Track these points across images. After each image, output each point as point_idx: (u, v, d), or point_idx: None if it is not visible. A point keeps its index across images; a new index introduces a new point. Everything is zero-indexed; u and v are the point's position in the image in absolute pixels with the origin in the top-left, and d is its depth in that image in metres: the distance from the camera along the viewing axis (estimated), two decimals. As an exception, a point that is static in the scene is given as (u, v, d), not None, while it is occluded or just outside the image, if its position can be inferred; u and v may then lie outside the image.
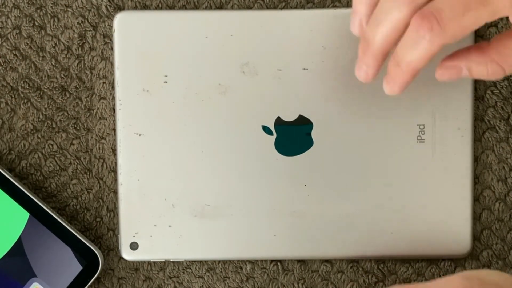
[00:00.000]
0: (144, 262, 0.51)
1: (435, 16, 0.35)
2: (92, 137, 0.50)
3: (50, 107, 0.50)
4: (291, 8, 0.50)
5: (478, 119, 0.50)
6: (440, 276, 0.50)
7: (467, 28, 0.36)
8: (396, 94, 0.40)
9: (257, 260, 0.50)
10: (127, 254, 0.49)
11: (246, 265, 0.51)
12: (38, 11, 0.50)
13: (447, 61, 0.40)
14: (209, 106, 0.48)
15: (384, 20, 0.37)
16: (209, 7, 0.50)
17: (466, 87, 0.48)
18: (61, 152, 0.50)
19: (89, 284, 0.49)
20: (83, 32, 0.50)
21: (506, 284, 0.36)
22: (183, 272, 0.51)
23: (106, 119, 0.50)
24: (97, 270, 0.49)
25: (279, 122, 0.48)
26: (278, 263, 0.50)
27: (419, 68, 0.37)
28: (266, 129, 0.48)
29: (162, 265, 0.51)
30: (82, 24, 0.50)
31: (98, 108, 0.50)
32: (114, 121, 0.50)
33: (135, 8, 0.50)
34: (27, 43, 0.50)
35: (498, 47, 0.38)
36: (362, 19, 0.39)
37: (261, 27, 0.48)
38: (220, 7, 0.50)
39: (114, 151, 0.50)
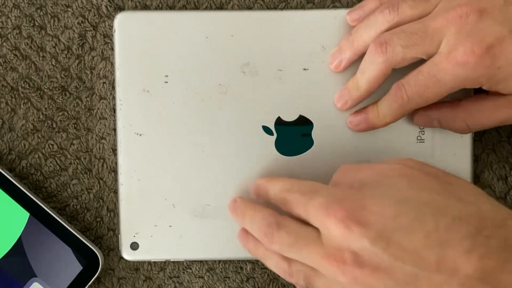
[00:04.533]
0: (144, 262, 0.51)
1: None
2: (92, 137, 0.50)
3: (50, 107, 0.50)
4: (291, 8, 0.50)
5: (478, 119, 0.50)
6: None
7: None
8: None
9: (258, 260, 0.50)
10: (128, 254, 0.49)
11: (246, 265, 0.51)
12: (38, 11, 0.50)
13: (423, 110, 0.46)
14: (209, 106, 0.48)
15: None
16: (209, 8, 0.50)
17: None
18: (61, 152, 0.50)
19: (89, 284, 0.49)
20: (83, 32, 0.50)
21: (441, 174, 0.40)
22: (183, 272, 0.51)
23: (106, 119, 0.50)
24: (97, 270, 0.48)
25: (279, 122, 0.48)
26: (279, 263, 0.50)
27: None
28: (266, 129, 0.48)
29: (162, 265, 0.51)
30: (82, 24, 0.50)
31: (98, 108, 0.50)
32: (115, 121, 0.50)
33: (135, 8, 0.50)
34: (27, 43, 0.50)
35: (466, 107, 0.45)
36: (344, 62, 0.47)
37: (262, 27, 0.48)
38: (220, 7, 0.50)
39: (114, 151, 0.50)
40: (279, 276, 0.50)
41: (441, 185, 0.39)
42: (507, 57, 0.40)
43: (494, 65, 0.40)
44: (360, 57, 0.46)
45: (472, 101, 0.45)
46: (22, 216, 0.48)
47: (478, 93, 0.46)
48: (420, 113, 0.47)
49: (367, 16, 0.46)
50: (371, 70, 0.44)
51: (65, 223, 0.49)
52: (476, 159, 0.50)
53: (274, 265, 0.42)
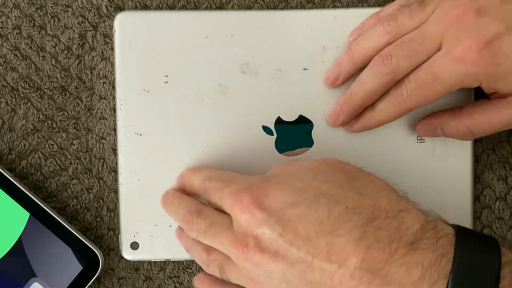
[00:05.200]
0: (145, 262, 0.51)
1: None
2: (92, 137, 0.50)
3: (50, 107, 0.50)
4: (291, 8, 0.50)
5: (478, 119, 0.50)
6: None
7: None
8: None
9: (258, 260, 0.50)
10: (128, 254, 0.49)
11: (246, 265, 0.50)
12: (39, 11, 0.50)
13: (425, 119, 0.47)
14: (209, 106, 0.48)
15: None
16: (209, 7, 0.50)
17: (468, 92, 0.48)
18: (61, 152, 0.50)
19: (89, 284, 0.49)
20: (83, 32, 0.50)
21: (352, 170, 0.41)
22: (183, 272, 0.51)
23: (106, 119, 0.50)
24: (97, 270, 0.48)
25: (279, 122, 0.48)
26: (279, 263, 0.50)
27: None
28: (266, 129, 0.48)
29: (163, 265, 0.51)
30: (82, 24, 0.50)
31: (98, 108, 0.50)
32: (115, 121, 0.50)
33: (135, 8, 0.50)
34: (28, 43, 0.50)
35: (468, 113, 0.45)
36: (342, 76, 0.47)
37: (261, 27, 0.48)
38: (220, 7, 0.50)
39: (114, 151, 0.50)
40: (279, 276, 0.50)
41: (346, 179, 0.40)
42: (505, 53, 0.41)
43: (492, 61, 0.41)
44: (358, 72, 0.46)
45: (473, 107, 0.45)
46: (22, 216, 0.48)
47: (479, 99, 0.46)
48: (422, 123, 0.47)
49: (364, 30, 0.46)
50: (373, 82, 0.44)
51: (65, 223, 0.49)
52: (476, 159, 0.50)
53: (196, 256, 0.45)
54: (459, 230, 0.38)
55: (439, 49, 0.42)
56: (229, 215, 0.41)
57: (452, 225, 0.38)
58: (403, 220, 0.37)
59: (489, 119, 0.44)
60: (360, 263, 0.36)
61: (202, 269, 0.45)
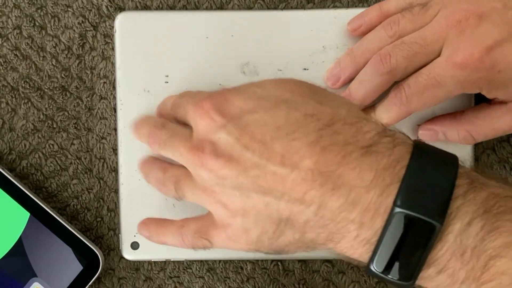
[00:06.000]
0: (145, 262, 0.51)
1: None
2: (92, 137, 0.50)
3: (51, 107, 0.50)
4: (291, 8, 0.50)
5: (478, 119, 0.50)
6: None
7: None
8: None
9: (258, 260, 0.50)
10: (128, 254, 0.49)
11: (246, 265, 0.51)
12: (39, 11, 0.50)
13: (427, 124, 0.47)
14: (209, 106, 0.48)
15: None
16: (209, 8, 0.50)
17: (468, 97, 0.48)
18: (61, 152, 0.50)
19: (89, 284, 0.49)
20: (84, 32, 0.50)
21: (317, 86, 0.40)
22: (184, 272, 0.51)
23: (106, 119, 0.50)
24: (98, 270, 0.48)
25: (279, 122, 0.48)
26: (279, 263, 0.50)
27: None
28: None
29: (163, 265, 0.51)
30: (82, 24, 0.50)
31: (98, 108, 0.50)
32: (115, 121, 0.50)
33: (135, 8, 0.50)
34: (28, 43, 0.50)
35: (469, 118, 0.45)
36: (343, 78, 0.47)
37: (262, 27, 0.48)
38: (221, 7, 0.50)
39: (114, 150, 0.50)
40: (279, 276, 0.50)
41: (308, 91, 0.39)
42: (507, 61, 0.40)
43: (494, 68, 0.41)
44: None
45: (474, 111, 0.45)
46: (22, 216, 0.48)
47: (479, 101, 0.46)
48: (424, 128, 0.47)
49: (369, 33, 0.46)
50: (372, 80, 0.44)
51: (65, 223, 0.49)
52: (476, 159, 0.50)
53: (153, 177, 0.44)
54: (418, 142, 0.37)
55: (439, 53, 0.42)
56: (191, 127, 0.41)
57: (413, 140, 0.38)
58: (361, 127, 0.37)
59: (490, 125, 0.44)
60: (314, 165, 0.36)
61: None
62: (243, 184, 0.37)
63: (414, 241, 0.35)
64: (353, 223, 0.36)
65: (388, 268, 0.36)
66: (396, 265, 0.35)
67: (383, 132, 0.37)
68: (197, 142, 0.39)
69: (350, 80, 0.47)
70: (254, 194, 0.37)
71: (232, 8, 0.50)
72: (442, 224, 0.34)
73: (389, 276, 0.36)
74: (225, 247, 0.41)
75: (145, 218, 0.45)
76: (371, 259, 0.36)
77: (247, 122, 0.38)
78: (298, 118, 0.37)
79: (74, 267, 0.48)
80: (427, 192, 0.35)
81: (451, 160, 0.36)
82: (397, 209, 0.34)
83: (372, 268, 0.36)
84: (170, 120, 0.44)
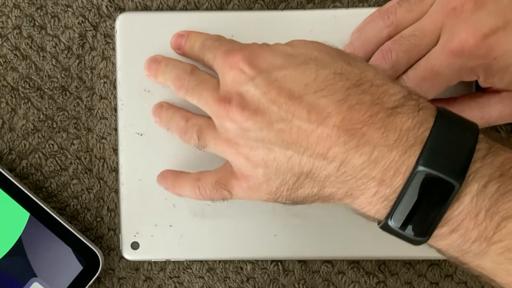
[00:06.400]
0: (145, 262, 0.50)
1: None
2: (92, 137, 0.50)
3: (51, 107, 0.50)
4: (291, 8, 0.50)
5: (478, 119, 0.50)
6: (441, 277, 0.50)
7: None
8: None
9: (258, 260, 0.50)
10: (128, 254, 0.49)
11: (246, 265, 0.51)
12: (39, 11, 0.50)
13: None
14: (210, 106, 0.48)
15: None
16: (209, 8, 0.50)
17: (468, 86, 0.48)
18: (61, 152, 0.50)
19: (89, 284, 0.49)
20: (84, 32, 0.50)
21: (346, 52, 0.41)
22: (184, 272, 0.51)
23: (106, 119, 0.50)
24: (98, 270, 0.48)
25: (280, 122, 0.48)
26: (279, 264, 0.50)
27: None
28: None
29: (163, 265, 0.51)
30: (82, 24, 0.50)
31: (98, 108, 0.50)
32: (115, 121, 0.50)
33: (135, 8, 0.50)
34: (28, 43, 0.50)
35: (461, 105, 0.45)
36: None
37: (262, 27, 0.48)
38: (221, 7, 0.50)
39: (115, 150, 0.50)
40: (279, 276, 0.50)
41: (337, 52, 0.40)
42: (502, 48, 0.41)
43: (489, 55, 0.41)
44: None
45: (467, 98, 0.45)
46: (22, 216, 0.48)
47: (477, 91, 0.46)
48: None
49: (366, 23, 0.46)
50: None
51: (65, 223, 0.48)
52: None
53: (175, 125, 0.45)
54: (441, 108, 0.38)
55: (437, 42, 0.42)
56: (218, 77, 0.42)
57: (436, 106, 0.39)
58: (387, 89, 0.38)
59: (480, 113, 0.45)
60: (340, 122, 0.36)
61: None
62: (267, 137, 0.38)
63: (433, 200, 0.36)
64: (373, 180, 0.37)
65: (404, 225, 0.37)
66: (413, 221, 0.37)
67: (409, 95, 0.38)
68: (224, 94, 0.40)
69: None
70: (277, 148, 0.38)
71: (232, 8, 0.50)
72: (461, 185, 0.36)
73: (405, 232, 0.37)
74: (245, 197, 0.42)
75: (163, 170, 0.47)
76: (389, 216, 0.37)
77: (276, 77, 0.38)
78: (327, 76, 0.38)
79: (74, 267, 0.48)
80: (449, 153, 0.36)
81: (472, 126, 0.37)
82: (420, 168, 0.36)
83: (389, 223, 0.37)
84: (194, 59, 0.45)
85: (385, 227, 0.38)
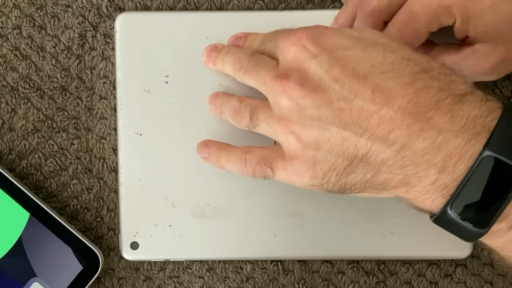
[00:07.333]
0: (145, 262, 0.51)
1: None
2: (92, 137, 0.50)
3: (51, 107, 0.50)
4: (291, 8, 0.50)
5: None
6: (441, 276, 0.50)
7: None
8: None
9: (257, 260, 0.50)
10: (128, 254, 0.49)
11: (246, 265, 0.51)
12: (39, 11, 0.50)
13: None
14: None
15: None
16: (209, 8, 0.50)
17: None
18: (61, 152, 0.50)
19: (89, 284, 0.49)
20: (84, 32, 0.50)
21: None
22: (183, 272, 0.51)
23: (106, 119, 0.50)
24: (98, 270, 0.48)
25: (279, 122, 0.48)
26: (279, 263, 0.50)
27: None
28: (266, 129, 0.48)
29: (162, 265, 0.51)
30: (82, 24, 0.50)
31: (98, 108, 0.50)
32: (115, 121, 0.50)
33: (135, 8, 0.50)
34: (28, 43, 0.50)
35: (436, 53, 0.44)
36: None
37: (262, 28, 0.48)
38: (221, 8, 0.50)
39: (114, 151, 0.50)
40: (279, 276, 0.50)
41: (402, 42, 0.39)
42: None
43: None
44: None
45: (443, 49, 0.44)
46: (22, 216, 0.48)
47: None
48: None
49: None
50: (362, 22, 0.44)
51: (65, 223, 0.49)
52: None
53: (228, 107, 0.45)
54: (506, 102, 0.38)
55: None
56: (278, 61, 0.41)
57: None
58: (455, 79, 0.37)
59: (452, 65, 0.44)
60: (406, 104, 0.36)
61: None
62: (324, 116, 0.37)
63: (498, 189, 0.35)
64: (434, 167, 0.36)
65: (464, 214, 0.36)
66: (474, 210, 0.36)
67: (474, 86, 0.37)
68: (283, 70, 0.39)
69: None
70: (333, 128, 0.37)
71: (232, 8, 0.50)
72: None
73: (464, 222, 0.36)
74: (287, 180, 0.41)
75: (206, 139, 0.46)
76: (447, 204, 0.36)
77: (341, 56, 0.37)
78: (394, 60, 0.37)
79: (74, 267, 0.48)
80: None
81: None
82: (487, 152, 0.35)
83: (448, 212, 0.36)
84: None
85: (440, 218, 0.37)
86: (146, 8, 0.50)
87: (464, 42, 0.43)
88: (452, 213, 0.36)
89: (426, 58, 0.38)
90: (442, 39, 0.44)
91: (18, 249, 0.48)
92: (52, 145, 0.50)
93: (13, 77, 0.50)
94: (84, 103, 0.50)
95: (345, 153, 0.37)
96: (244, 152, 0.43)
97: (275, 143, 0.43)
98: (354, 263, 0.50)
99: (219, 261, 0.51)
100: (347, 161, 0.38)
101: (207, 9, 0.50)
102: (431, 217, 0.38)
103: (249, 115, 0.42)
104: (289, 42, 0.39)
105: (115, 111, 0.49)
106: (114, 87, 0.49)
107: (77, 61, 0.50)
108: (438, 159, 0.35)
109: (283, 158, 0.40)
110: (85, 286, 0.49)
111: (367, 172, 0.37)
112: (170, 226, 0.48)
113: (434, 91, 0.36)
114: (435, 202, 0.37)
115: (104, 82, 0.50)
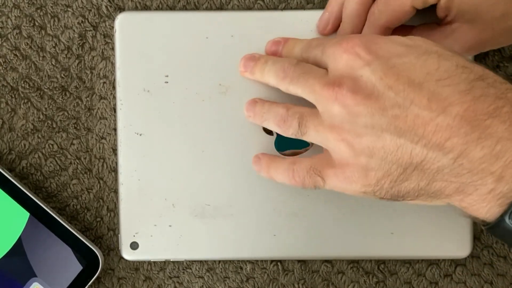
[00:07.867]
0: (144, 262, 0.51)
1: None
2: (92, 137, 0.50)
3: (51, 107, 0.50)
4: (291, 8, 0.50)
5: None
6: (440, 276, 0.50)
7: None
8: None
9: (257, 260, 0.50)
10: (128, 254, 0.49)
11: (246, 265, 0.51)
12: (38, 11, 0.50)
13: (375, 30, 0.45)
14: (209, 106, 0.48)
15: None
16: (209, 8, 0.50)
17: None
18: (61, 152, 0.50)
19: (89, 284, 0.49)
20: (83, 32, 0.50)
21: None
22: (183, 272, 0.51)
23: (106, 119, 0.50)
24: (97, 270, 0.48)
25: (279, 122, 0.48)
26: (278, 263, 0.50)
27: None
28: (266, 129, 0.48)
29: (162, 265, 0.51)
30: (82, 24, 0.50)
31: (98, 108, 0.50)
32: (115, 121, 0.50)
33: (135, 8, 0.50)
34: (28, 43, 0.50)
35: (416, 32, 0.44)
36: (332, 20, 0.46)
37: (262, 27, 0.48)
38: (221, 7, 0.50)
39: (114, 151, 0.50)
40: (278, 276, 0.50)
41: (455, 51, 0.39)
42: None
43: None
44: None
45: (422, 29, 0.45)
46: (22, 216, 0.48)
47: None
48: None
49: None
50: (352, 4, 0.44)
51: (65, 223, 0.49)
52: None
53: (273, 114, 0.44)
54: None
55: None
56: (325, 69, 0.41)
57: None
58: (510, 87, 0.36)
59: None
60: (463, 112, 0.35)
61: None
62: (378, 123, 0.37)
63: None
64: (492, 176, 0.35)
65: None
66: None
67: None
68: (334, 78, 0.39)
69: (338, 22, 0.46)
70: (388, 135, 0.37)
71: (232, 8, 0.50)
72: None
73: None
74: (338, 188, 0.41)
75: (259, 152, 0.46)
76: (507, 214, 0.35)
77: (394, 64, 0.37)
78: (450, 67, 0.37)
79: (74, 267, 0.48)
80: None
81: None
82: None
83: (506, 221, 0.35)
84: None
85: (496, 227, 0.36)
86: (146, 8, 0.50)
87: (443, 21, 0.43)
88: (510, 223, 0.36)
89: (481, 66, 0.37)
90: (420, 21, 0.45)
91: (18, 249, 0.48)
92: (52, 145, 0.50)
93: (13, 77, 0.50)
94: (84, 103, 0.50)
95: (399, 160, 0.37)
96: (291, 163, 0.43)
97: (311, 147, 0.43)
98: (354, 263, 0.50)
99: (219, 261, 0.51)
100: (401, 169, 0.37)
101: (207, 9, 0.50)
102: (484, 225, 0.37)
103: (298, 123, 0.42)
104: (341, 50, 0.39)
105: (115, 111, 0.49)
106: (114, 87, 0.49)
107: (77, 61, 0.50)
108: (496, 168, 0.35)
109: (333, 166, 0.40)
110: (85, 286, 0.49)
111: (422, 180, 0.37)
112: (170, 226, 0.48)
113: (491, 99, 0.36)
114: (490, 211, 0.36)
115: (104, 82, 0.50)
